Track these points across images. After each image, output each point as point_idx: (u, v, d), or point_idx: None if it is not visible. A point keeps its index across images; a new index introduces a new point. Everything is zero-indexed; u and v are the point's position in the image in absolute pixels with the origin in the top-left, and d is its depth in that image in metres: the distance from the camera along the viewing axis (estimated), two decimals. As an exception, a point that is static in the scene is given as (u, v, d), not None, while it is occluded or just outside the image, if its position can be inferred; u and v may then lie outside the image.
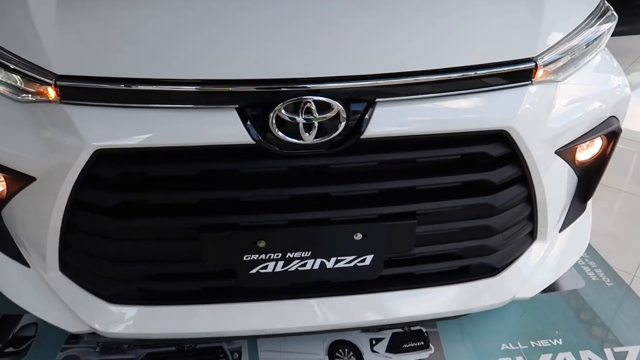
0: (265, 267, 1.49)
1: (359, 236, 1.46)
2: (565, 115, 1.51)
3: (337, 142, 1.33)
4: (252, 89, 1.25)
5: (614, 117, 1.65)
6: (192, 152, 1.35)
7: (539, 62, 1.38)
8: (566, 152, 1.56)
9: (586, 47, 1.55)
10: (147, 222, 1.40)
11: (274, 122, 1.28)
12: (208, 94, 1.27)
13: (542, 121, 1.44)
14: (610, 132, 1.63)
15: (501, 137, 1.40)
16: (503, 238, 1.61)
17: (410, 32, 1.40)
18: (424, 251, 1.56)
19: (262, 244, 1.44)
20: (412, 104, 1.32)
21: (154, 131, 1.29)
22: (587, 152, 1.71)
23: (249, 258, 1.47)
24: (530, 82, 1.38)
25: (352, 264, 1.51)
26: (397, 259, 1.58)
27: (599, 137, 1.66)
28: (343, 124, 1.30)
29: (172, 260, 1.51)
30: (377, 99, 1.30)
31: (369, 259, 1.51)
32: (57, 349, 2.04)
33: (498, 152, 1.41)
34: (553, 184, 1.56)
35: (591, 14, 1.57)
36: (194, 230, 1.42)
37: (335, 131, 1.30)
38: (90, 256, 1.51)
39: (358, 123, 1.31)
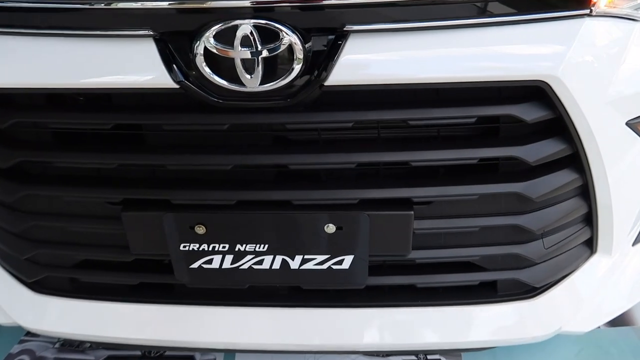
0: (210, 262, 1.13)
1: (331, 228, 1.06)
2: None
3: (293, 91, 0.94)
4: (165, 4, 0.89)
5: None
6: (104, 99, 1.02)
7: None
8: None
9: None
10: (54, 190, 1.09)
11: (200, 56, 0.91)
12: (114, 15, 0.92)
13: (607, 75, 0.97)
14: None
15: (540, 94, 0.94)
16: (545, 246, 1.14)
17: None
18: (427, 256, 1.13)
19: (201, 230, 1.08)
20: (402, 37, 0.91)
21: (48, 67, 0.96)
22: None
23: (186, 248, 1.11)
24: (588, 11, 0.92)
25: (325, 266, 1.12)
26: (389, 264, 1.17)
27: None
28: (299, 64, 0.91)
29: (94, 244, 1.18)
30: (349, 27, 0.89)
31: (347, 260, 1.11)
32: (15, 342, 1.80)
33: (534, 116, 0.96)
34: (623, 172, 1.08)
35: None
36: (115, 206, 1.09)
37: (289, 74, 0.92)
38: (4, 232, 1.22)
39: (321, 63, 0.92)
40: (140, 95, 0.99)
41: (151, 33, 0.92)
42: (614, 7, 0.96)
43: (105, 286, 1.27)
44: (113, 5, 0.91)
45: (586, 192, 1.09)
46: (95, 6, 0.92)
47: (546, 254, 1.15)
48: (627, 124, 1.03)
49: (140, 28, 0.92)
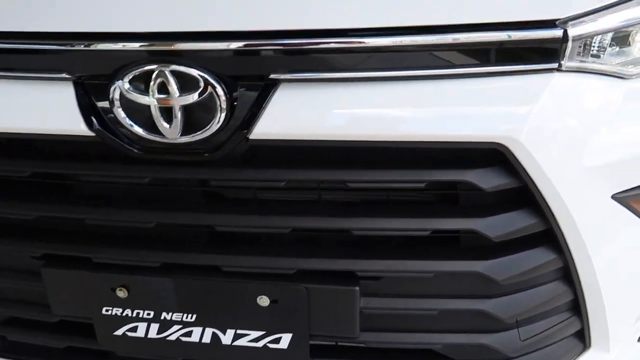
0: (135, 330, 1.00)
1: (264, 300, 0.92)
2: (637, 136, 0.87)
3: (217, 144, 0.84)
4: (81, 47, 0.82)
5: None
6: (24, 144, 0.94)
7: (571, 31, 0.78)
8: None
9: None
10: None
11: (117, 102, 0.83)
12: (32, 55, 0.86)
13: (582, 140, 0.82)
14: None
15: (501, 159, 0.81)
16: (520, 337, 0.96)
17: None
18: (379, 340, 0.97)
19: (123, 293, 0.97)
20: (339, 88, 0.80)
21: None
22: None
23: (109, 312, 0.99)
24: (556, 65, 0.79)
25: (260, 344, 0.97)
26: (336, 345, 1.01)
27: None
28: (223, 114, 0.81)
29: (20, 301, 1.08)
30: (278, 75, 0.79)
31: (285, 339, 0.96)
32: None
33: (493, 183, 0.81)
34: (615, 253, 0.91)
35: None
36: (38, 260, 0.99)
37: (211, 126, 0.82)
38: None
39: (247, 114, 0.81)
40: (60, 142, 0.91)
41: (68, 76, 0.85)
42: (593, 62, 0.83)
43: (36, 347, 1.16)
44: (30, 46, 0.85)
45: (569, 275, 0.92)
46: (14, 45, 0.86)
47: (523, 347, 0.96)
48: (613, 197, 0.87)
49: (57, 70, 0.85)
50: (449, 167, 0.82)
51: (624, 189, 0.87)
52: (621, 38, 0.88)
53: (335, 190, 0.89)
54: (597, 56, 0.86)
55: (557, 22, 0.78)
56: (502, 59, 0.78)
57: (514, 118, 0.77)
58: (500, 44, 0.77)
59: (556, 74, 0.79)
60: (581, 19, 0.78)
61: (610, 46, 0.87)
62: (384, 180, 0.83)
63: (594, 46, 0.84)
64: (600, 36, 0.84)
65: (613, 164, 0.84)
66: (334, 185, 0.88)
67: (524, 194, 0.83)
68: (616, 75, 0.85)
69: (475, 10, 0.76)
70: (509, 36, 0.76)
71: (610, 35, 0.86)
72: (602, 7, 0.80)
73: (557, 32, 0.77)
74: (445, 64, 0.77)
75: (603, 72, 0.84)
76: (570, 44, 0.78)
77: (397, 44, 0.76)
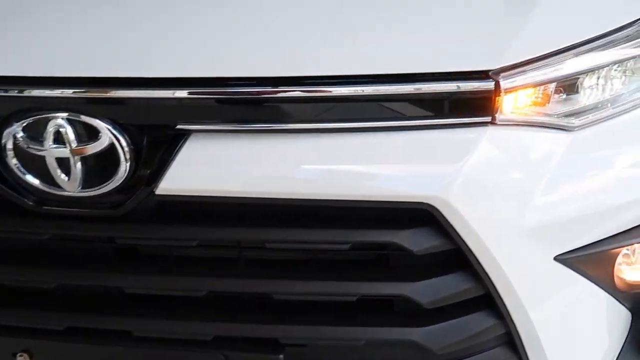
0: (39, 400, 0.90)
1: (183, 368, 0.84)
2: (582, 192, 0.81)
3: (121, 198, 0.76)
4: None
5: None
6: None
7: (504, 83, 0.72)
8: (590, 262, 0.84)
9: (624, 74, 0.87)
10: None
11: (10, 152, 0.75)
12: None
13: (519, 198, 0.75)
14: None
15: (430, 219, 0.74)
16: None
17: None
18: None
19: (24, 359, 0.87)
20: (255, 141, 0.73)
21: None
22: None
23: (10, 379, 0.89)
24: (489, 119, 0.73)
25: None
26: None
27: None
28: (126, 167, 0.74)
29: None
30: (186, 125, 0.72)
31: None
32: None
33: (422, 246, 0.74)
34: (559, 316, 0.84)
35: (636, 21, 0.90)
36: None
37: (113, 179, 0.74)
38: None
39: (153, 167, 0.74)
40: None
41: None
42: (532, 114, 0.77)
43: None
44: None
45: (512, 341, 0.85)
46: None
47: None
48: (556, 259, 0.80)
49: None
50: (376, 227, 0.74)
51: (568, 249, 0.80)
52: (568, 86, 0.83)
53: (257, 248, 0.81)
54: (542, 106, 0.81)
55: (490, 73, 0.72)
56: (430, 112, 0.72)
57: (442, 176, 0.70)
58: (428, 95, 0.71)
59: (490, 128, 0.73)
60: (515, 70, 0.73)
61: (557, 93, 0.81)
62: (304, 241, 0.75)
63: (536, 96, 0.79)
64: (544, 86, 0.79)
65: (554, 224, 0.77)
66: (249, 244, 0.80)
67: (459, 256, 0.76)
68: (558, 127, 0.80)
69: (400, 60, 0.70)
70: (437, 88, 0.70)
71: (553, 84, 0.81)
72: (536, 57, 0.75)
73: (489, 84, 0.71)
74: (367, 116, 0.71)
75: (543, 125, 0.78)
76: (503, 96, 0.72)
77: (317, 94, 0.70)
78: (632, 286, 0.95)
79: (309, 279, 0.77)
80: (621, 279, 0.94)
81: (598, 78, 0.87)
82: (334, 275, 0.77)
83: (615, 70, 0.88)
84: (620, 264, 0.94)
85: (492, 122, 0.73)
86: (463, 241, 0.73)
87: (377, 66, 0.69)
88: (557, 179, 0.77)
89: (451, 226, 0.72)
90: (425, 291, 0.76)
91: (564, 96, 0.81)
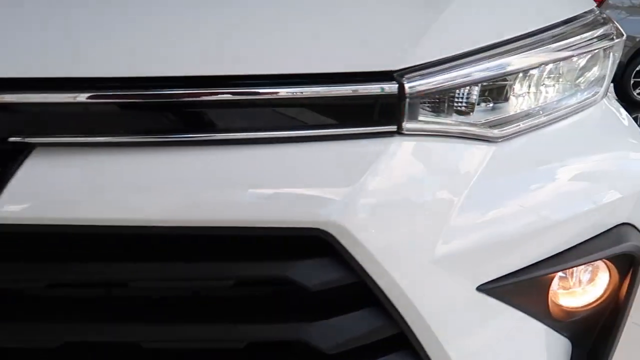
0: None
1: None
2: (507, 212, 0.71)
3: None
4: None
5: (631, 225, 0.82)
6: None
7: (410, 85, 0.61)
8: (519, 291, 0.74)
9: (556, 79, 0.79)
10: None
11: None
12: None
13: (433, 221, 0.65)
14: (621, 256, 0.80)
15: (327, 247, 0.62)
16: None
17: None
18: None
19: None
20: (107, 156, 0.59)
21: None
22: (581, 292, 0.88)
23: None
24: (395, 127, 0.62)
25: None
26: None
27: (600, 264, 0.83)
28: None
29: None
30: (24, 138, 0.58)
31: None
32: None
33: (318, 279, 0.61)
34: (485, 352, 0.73)
35: (567, 21, 0.82)
36: None
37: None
38: None
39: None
40: None
41: None
42: (446, 123, 0.67)
43: None
44: None
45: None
46: None
47: None
48: (480, 289, 0.69)
49: None
50: (265, 259, 0.62)
51: (492, 278, 0.70)
52: (490, 90, 0.73)
53: (120, 286, 0.67)
54: (458, 114, 0.71)
55: (394, 75, 0.61)
56: (323, 121, 0.60)
57: (338, 197, 0.58)
58: (319, 100, 0.59)
59: (396, 139, 0.62)
60: (423, 72, 0.62)
61: (476, 99, 0.72)
62: (174, 278, 0.62)
63: (451, 102, 0.69)
64: (459, 90, 0.69)
65: (475, 250, 0.66)
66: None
67: (365, 291, 0.65)
68: (478, 137, 0.70)
69: (286, 58, 0.59)
70: (329, 92, 0.59)
71: (473, 88, 0.71)
72: (449, 57, 0.64)
73: (391, 87, 0.60)
74: (248, 125, 0.59)
75: (460, 135, 0.68)
76: (409, 101, 0.61)
77: (183, 98, 0.57)
78: (570, 313, 0.86)
79: (187, 324, 0.64)
80: (558, 306, 0.85)
81: (524, 82, 0.78)
82: (215, 318, 0.63)
83: (544, 73, 0.79)
84: (555, 289, 0.85)
85: (399, 132, 0.62)
86: (367, 274, 0.61)
87: (254, 65, 0.57)
88: (477, 198, 0.67)
89: (351, 256, 0.60)
90: (326, 333, 0.64)
91: (485, 102, 0.71)
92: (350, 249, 0.59)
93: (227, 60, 0.57)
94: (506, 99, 0.76)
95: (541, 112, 0.79)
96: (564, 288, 0.87)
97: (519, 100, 0.78)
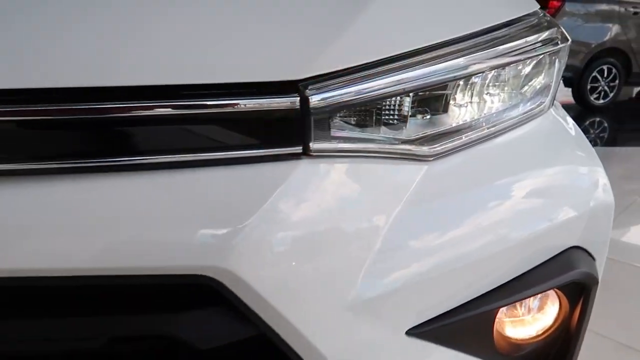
0: None
1: None
2: (439, 245, 0.61)
3: None
4: None
5: (581, 248, 0.74)
6: None
7: (315, 98, 0.50)
8: (458, 330, 0.64)
9: (499, 87, 0.70)
10: None
11: None
12: None
13: (348, 262, 0.54)
14: (571, 285, 0.72)
15: (218, 297, 0.51)
16: None
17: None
18: None
19: None
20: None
21: None
22: (531, 320, 0.79)
23: None
24: (299, 148, 0.52)
25: None
26: None
27: (550, 292, 0.75)
28: None
29: None
30: None
31: None
32: None
33: (209, 336, 0.50)
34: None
35: (509, 23, 0.73)
36: None
37: None
38: None
39: None
40: None
41: None
42: (365, 141, 0.57)
43: None
44: None
45: None
46: None
47: None
48: (410, 334, 0.59)
49: None
50: (144, 313, 0.51)
51: (424, 319, 0.60)
52: (417, 102, 0.64)
53: None
54: (397, 128, 0.61)
55: (299, 85, 0.51)
56: (214, 142, 0.49)
57: (225, 236, 0.47)
58: (205, 117, 0.48)
59: (302, 162, 0.51)
60: (334, 81, 0.52)
61: (401, 111, 0.62)
62: (38, 336, 0.50)
63: (371, 116, 0.59)
64: (396, 99, 0.60)
65: (400, 290, 0.56)
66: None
67: (269, 345, 0.54)
68: (405, 157, 0.60)
69: (171, 67, 0.48)
70: (218, 105, 0.48)
71: (408, 99, 0.62)
72: (366, 64, 0.54)
73: (292, 100, 0.49)
74: (114, 149, 0.47)
75: (383, 154, 0.58)
76: (313, 117, 0.51)
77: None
78: (518, 346, 0.78)
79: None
80: (505, 339, 0.76)
81: (465, 91, 0.69)
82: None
83: (486, 81, 0.71)
84: (502, 321, 0.76)
85: (306, 154, 0.52)
86: (267, 325, 0.50)
87: (113, 77, 0.46)
88: (402, 230, 0.56)
89: (246, 306, 0.49)
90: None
91: (422, 114, 0.62)
92: (244, 298, 0.48)
93: (93, 71, 0.45)
94: (445, 110, 0.68)
95: (483, 125, 0.70)
96: (512, 316, 0.78)
97: (460, 111, 0.70)
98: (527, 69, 0.77)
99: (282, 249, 0.49)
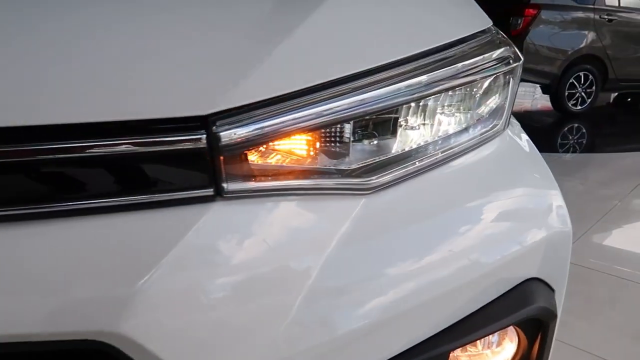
0: None
1: None
2: (376, 290, 0.55)
3: None
4: None
5: (539, 280, 0.70)
6: None
7: (225, 135, 0.45)
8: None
9: (450, 110, 0.66)
10: None
11: None
12: None
13: (274, 313, 0.49)
14: (529, 321, 0.67)
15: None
16: None
17: None
18: None
19: None
20: None
21: None
22: (490, 355, 0.74)
23: None
24: (211, 191, 0.46)
25: None
26: None
27: (510, 329, 0.70)
28: None
29: None
30: None
31: None
32: None
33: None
34: None
35: (461, 41, 0.68)
36: None
37: None
38: None
39: None
40: None
41: None
42: (290, 177, 0.51)
43: None
44: None
45: None
46: None
47: None
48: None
49: None
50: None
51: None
52: (378, 124, 0.60)
53: None
54: (340, 156, 0.57)
55: (209, 120, 0.46)
56: (114, 186, 0.44)
57: (120, 296, 0.41)
58: (98, 159, 0.43)
59: (215, 206, 0.46)
60: (248, 114, 0.47)
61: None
62: None
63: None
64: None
65: (330, 344, 0.51)
66: None
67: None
68: (338, 191, 0.55)
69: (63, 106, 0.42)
70: (119, 144, 0.42)
71: (349, 126, 0.57)
72: (283, 95, 0.49)
73: (198, 137, 0.44)
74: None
75: (311, 190, 0.52)
76: (224, 155, 0.45)
77: None
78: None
79: None
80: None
81: (414, 116, 0.65)
82: None
83: (434, 103, 0.67)
84: (458, 358, 0.71)
85: (220, 195, 0.46)
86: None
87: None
88: (333, 276, 0.51)
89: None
90: None
91: (357, 140, 0.57)
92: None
93: None
94: (394, 133, 0.63)
95: (431, 150, 0.66)
96: (469, 352, 0.73)
97: (410, 134, 0.65)
98: (481, 90, 0.73)
99: (187, 305, 0.43)
